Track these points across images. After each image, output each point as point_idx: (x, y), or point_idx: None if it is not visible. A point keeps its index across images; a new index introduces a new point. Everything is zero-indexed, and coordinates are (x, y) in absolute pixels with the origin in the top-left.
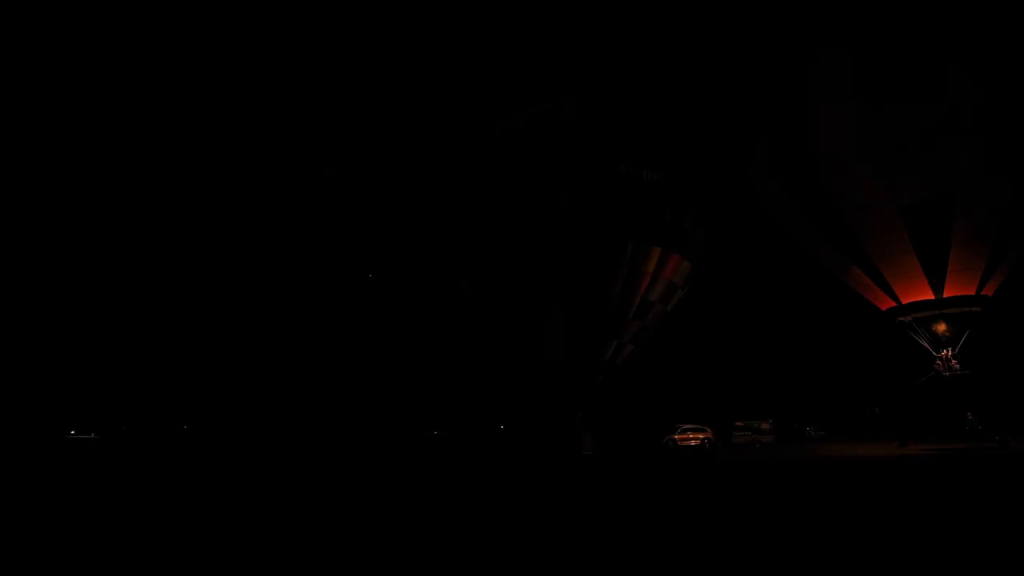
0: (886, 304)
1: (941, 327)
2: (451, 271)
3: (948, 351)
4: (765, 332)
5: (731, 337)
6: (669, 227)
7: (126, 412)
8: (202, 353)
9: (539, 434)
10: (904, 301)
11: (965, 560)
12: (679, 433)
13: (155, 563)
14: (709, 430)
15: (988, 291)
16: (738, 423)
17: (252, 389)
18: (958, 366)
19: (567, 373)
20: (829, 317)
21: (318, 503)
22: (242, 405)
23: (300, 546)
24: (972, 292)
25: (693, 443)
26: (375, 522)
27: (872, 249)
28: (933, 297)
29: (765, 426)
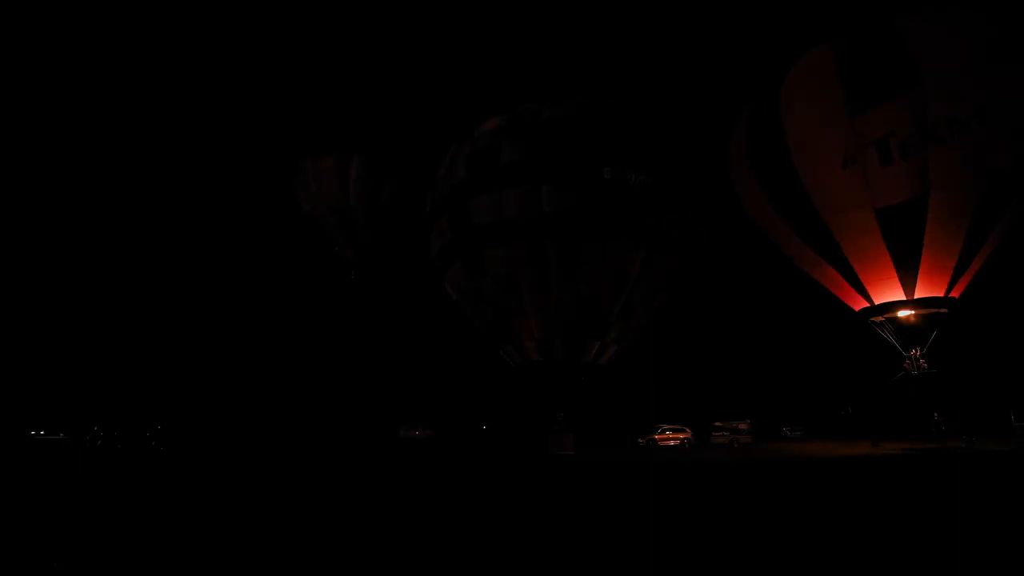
0: (859, 304)
1: (911, 325)
2: (434, 273)
3: (917, 351)
4: (743, 333)
5: (711, 338)
6: (654, 229)
7: (96, 412)
8: (178, 351)
9: (521, 435)
10: (877, 301)
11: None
12: (659, 433)
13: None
14: (688, 430)
15: (955, 293)
16: (717, 423)
17: (230, 388)
18: (926, 365)
19: (550, 374)
20: (804, 317)
21: (298, 507)
22: (218, 405)
23: (286, 549)
24: (941, 294)
25: (672, 443)
26: (358, 526)
27: (847, 250)
28: (905, 298)
29: (743, 426)
